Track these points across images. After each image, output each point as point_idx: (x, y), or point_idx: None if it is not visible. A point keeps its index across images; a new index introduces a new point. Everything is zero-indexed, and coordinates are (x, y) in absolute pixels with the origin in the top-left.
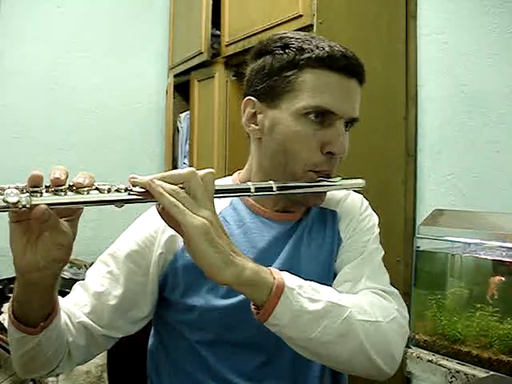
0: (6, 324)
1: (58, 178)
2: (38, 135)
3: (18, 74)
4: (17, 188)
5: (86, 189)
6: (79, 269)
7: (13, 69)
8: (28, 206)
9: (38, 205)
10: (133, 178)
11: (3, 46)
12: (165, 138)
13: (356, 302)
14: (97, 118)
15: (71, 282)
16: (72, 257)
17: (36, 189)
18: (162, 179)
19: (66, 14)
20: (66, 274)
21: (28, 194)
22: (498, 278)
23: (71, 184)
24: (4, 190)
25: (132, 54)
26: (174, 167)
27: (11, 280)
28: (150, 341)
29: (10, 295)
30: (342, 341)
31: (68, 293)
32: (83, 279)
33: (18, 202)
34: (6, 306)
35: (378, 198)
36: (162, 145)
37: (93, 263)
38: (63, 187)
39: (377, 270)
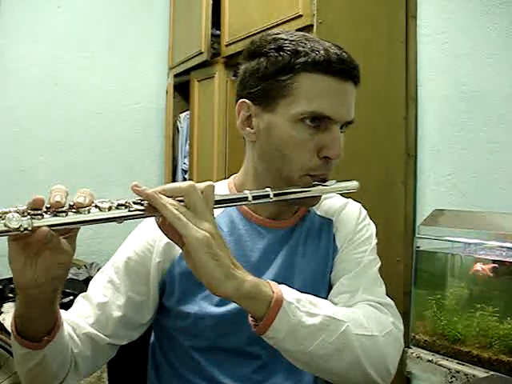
0: (6, 324)
1: (58, 202)
2: (38, 135)
3: (18, 73)
4: (17, 211)
5: (86, 208)
6: (79, 269)
7: (13, 68)
8: (30, 228)
9: (39, 227)
10: (135, 186)
11: (3, 45)
12: (165, 138)
13: (353, 316)
14: (97, 118)
15: (71, 281)
16: None
17: (37, 211)
18: (162, 192)
19: (66, 14)
20: None
21: (29, 217)
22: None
23: (71, 204)
24: (5, 213)
25: (132, 54)
26: (174, 167)
27: (11, 280)
28: (152, 340)
29: (10, 295)
30: (338, 355)
31: (68, 293)
32: (83, 279)
33: (20, 226)
34: (6, 306)
35: (377, 198)
36: (162, 145)
37: (93, 263)
38: (64, 208)
39: (373, 282)
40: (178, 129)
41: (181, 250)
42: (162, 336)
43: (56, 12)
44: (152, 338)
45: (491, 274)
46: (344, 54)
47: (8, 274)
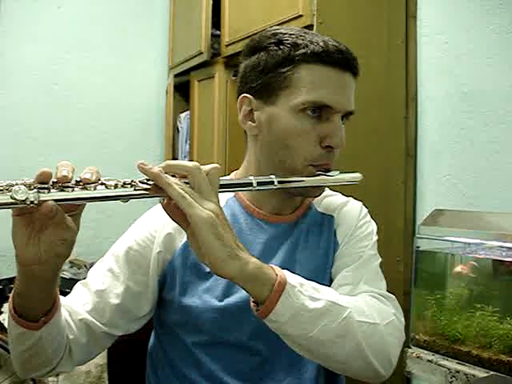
0: (6, 324)
1: (65, 176)
2: (38, 135)
3: (18, 73)
4: (24, 184)
5: (92, 185)
6: (79, 269)
7: (13, 69)
8: (36, 202)
9: (45, 201)
10: (142, 164)
11: (3, 45)
12: (165, 138)
13: (355, 304)
14: (97, 118)
15: (71, 281)
16: (72, 257)
17: (44, 185)
18: (167, 167)
19: (67, 14)
20: (66, 274)
21: (36, 191)
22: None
23: (78, 180)
24: (12, 186)
25: (132, 54)
26: None
27: (11, 280)
28: (151, 341)
29: (10, 295)
30: (340, 341)
31: (68, 293)
32: (83, 279)
33: (27, 198)
34: (6, 306)
35: (378, 198)
36: (162, 145)
37: (93, 263)
38: (70, 183)
39: (374, 276)
40: (177, 129)
41: (182, 242)
42: (163, 333)
43: (56, 12)
44: (151, 339)
45: (472, 274)
46: (342, 45)
47: (8, 274)
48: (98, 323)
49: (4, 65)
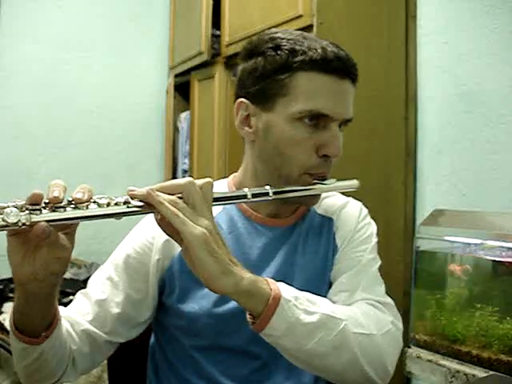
0: (6, 324)
1: (56, 197)
2: (38, 135)
3: (18, 73)
4: (16, 206)
5: (85, 204)
6: (79, 268)
7: (13, 69)
8: (28, 223)
9: (37, 222)
10: (131, 190)
11: (3, 46)
12: (165, 138)
13: (351, 314)
14: (97, 118)
15: (71, 282)
16: (72, 257)
17: (35, 206)
18: (161, 189)
19: (67, 14)
20: (66, 274)
21: (28, 212)
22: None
23: (70, 199)
24: (4, 208)
25: (132, 54)
26: (174, 167)
27: (11, 280)
28: (151, 341)
29: (10, 295)
30: (336, 353)
31: (68, 293)
32: (83, 279)
33: (19, 221)
34: (6, 306)
35: (377, 198)
36: (162, 145)
37: (93, 263)
38: (62, 203)
39: (373, 281)
40: (178, 129)
41: (180, 248)
42: (162, 336)
43: (56, 12)
44: (152, 339)
45: (464, 276)
46: (341, 52)
47: (8, 274)
48: (99, 332)
49: (4, 65)
